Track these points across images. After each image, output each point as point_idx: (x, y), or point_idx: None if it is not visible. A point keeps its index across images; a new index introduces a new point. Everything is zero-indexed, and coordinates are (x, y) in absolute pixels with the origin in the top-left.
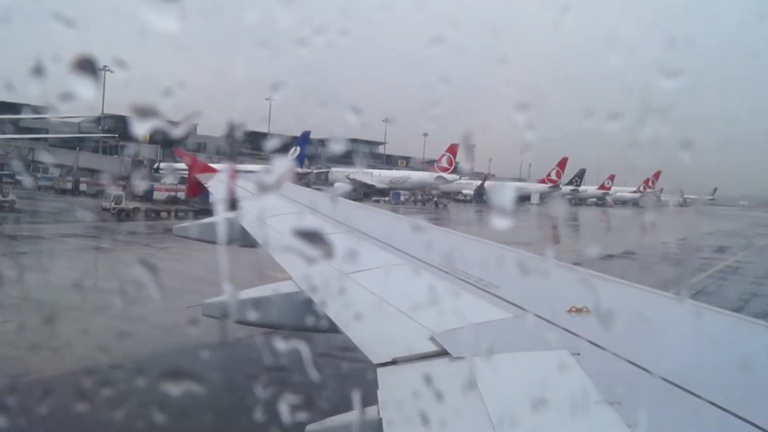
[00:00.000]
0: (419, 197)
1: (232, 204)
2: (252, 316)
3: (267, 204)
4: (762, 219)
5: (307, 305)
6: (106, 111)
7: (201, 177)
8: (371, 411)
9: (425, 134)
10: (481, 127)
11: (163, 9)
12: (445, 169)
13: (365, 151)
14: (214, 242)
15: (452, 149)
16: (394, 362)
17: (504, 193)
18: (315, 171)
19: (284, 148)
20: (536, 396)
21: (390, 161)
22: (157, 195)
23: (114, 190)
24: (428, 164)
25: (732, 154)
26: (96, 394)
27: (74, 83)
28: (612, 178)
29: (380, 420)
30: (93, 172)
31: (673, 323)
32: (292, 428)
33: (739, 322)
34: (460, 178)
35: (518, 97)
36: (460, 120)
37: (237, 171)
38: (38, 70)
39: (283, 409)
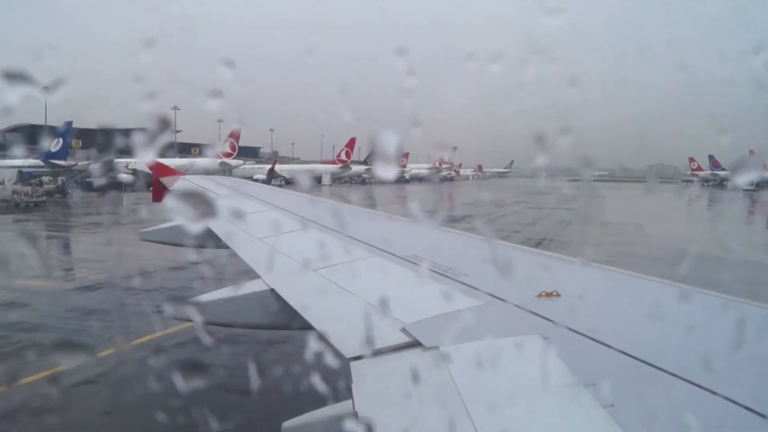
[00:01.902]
0: None
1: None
2: (223, 316)
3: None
4: (532, 187)
5: (277, 303)
6: None
7: (164, 180)
8: (346, 405)
9: (220, 120)
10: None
11: None
12: (228, 155)
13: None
14: (180, 245)
15: (234, 135)
16: (366, 355)
17: (294, 175)
18: (82, 163)
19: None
20: (510, 382)
21: (183, 149)
22: None
23: None
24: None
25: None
26: None
27: None
28: (407, 155)
29: (355, 413)
30: None
31: (643, 303)
32: (268, 426)
33: (706, 297)
34: (244, 163)
35: (395, 42)
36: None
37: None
38: None
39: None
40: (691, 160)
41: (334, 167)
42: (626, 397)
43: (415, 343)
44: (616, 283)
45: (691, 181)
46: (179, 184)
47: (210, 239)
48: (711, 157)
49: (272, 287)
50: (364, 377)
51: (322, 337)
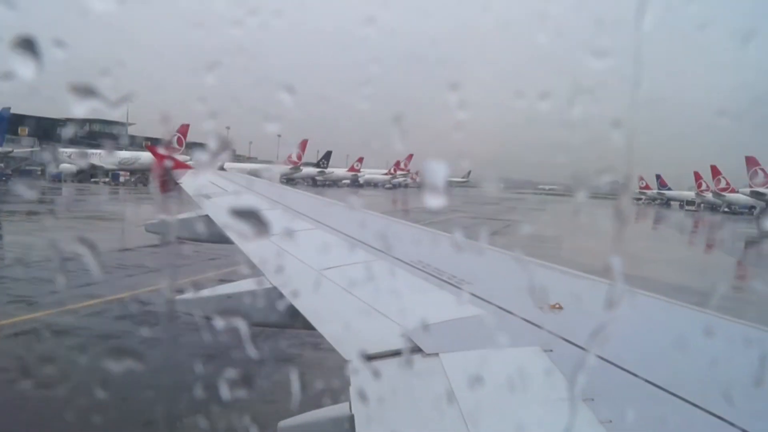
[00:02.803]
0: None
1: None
2: (225, 312)
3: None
4: (480, 198)
5: (280, 301)
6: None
7: (174, 173)
8: (342, 407)
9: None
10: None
11: None
12: (174, 151)
13: (108, 131)
14: (185, 239)
15: (182, 130)
16: (366, 358)
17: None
18: (19, 151)
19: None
20: (509, 392)
21: (135, 142)
22: None
23: None
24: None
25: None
26: None
27: (14, 62)
28: (360, 160)
29: (352, 416)
30: None
31: (648, 320)
32: (263, 425)
33: (713, 319)
34: (190, 159)
35: (449, 77)
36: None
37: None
38: None
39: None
40: (640, 178)
41: (284, 168)
42: (625, 413)
43: (416, 349)
44: (623, 299)
45: (640, 199)
46: (187, 178)
47: (211, 233)
48: (658, 177)
49: (274, 284)
50: (362, 380)
51: (321, 338)
